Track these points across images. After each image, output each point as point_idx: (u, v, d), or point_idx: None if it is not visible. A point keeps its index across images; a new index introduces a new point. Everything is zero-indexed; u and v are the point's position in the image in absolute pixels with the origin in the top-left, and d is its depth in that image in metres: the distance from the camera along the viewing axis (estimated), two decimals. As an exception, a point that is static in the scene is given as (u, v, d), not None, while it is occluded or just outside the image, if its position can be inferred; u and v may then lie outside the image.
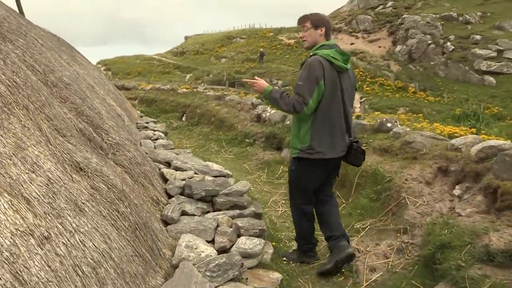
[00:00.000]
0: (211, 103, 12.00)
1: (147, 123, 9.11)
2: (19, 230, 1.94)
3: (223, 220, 3.79)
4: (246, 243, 3.46)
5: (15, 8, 9.36)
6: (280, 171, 6.73)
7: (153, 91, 14.94)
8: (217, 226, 3.72)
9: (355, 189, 5.17)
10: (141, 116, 10.87)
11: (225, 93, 13.24)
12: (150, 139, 7.26)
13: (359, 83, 35.69)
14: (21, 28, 5.36)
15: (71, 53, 8.88)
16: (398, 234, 3.96)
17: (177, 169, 5.14)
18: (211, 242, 3.59)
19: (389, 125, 5.94)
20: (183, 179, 4.83)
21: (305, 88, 3.21)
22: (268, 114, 8.89)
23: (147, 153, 6.00)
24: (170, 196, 4.43)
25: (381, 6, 51.45)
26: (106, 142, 4.10)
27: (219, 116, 10.70)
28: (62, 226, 2.19)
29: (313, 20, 3.44)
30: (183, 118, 12.50)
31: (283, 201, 5.63)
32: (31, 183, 2.21)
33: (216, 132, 10.25)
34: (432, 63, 37.95)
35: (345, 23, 50.03)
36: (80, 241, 2.23)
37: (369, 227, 4.37)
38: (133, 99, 14.42)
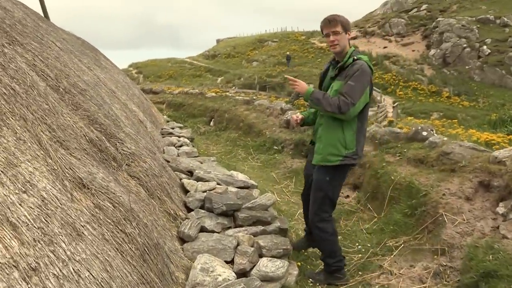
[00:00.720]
0: (240, 107, 11.73)
1: (172, 128, 8.90)
2: (0, 263, 1.68)
3: (244, 238, 3.49)
4: (267, 265, 3.15)
5: (40, 11, 9.31)
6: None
7: (181, 95, 14.79)
8: (238, 244, 3.42)
9: (388, 202, 4.78)
10: (168, 121, 10.71)
11: (254, 97, 12.95)
12: (174, 146, 7.04)
13: (392, 87, 34.89)
14: (38, 31, 5.22)
15: (95, 56, 8.78)
16: (435, 256, 3.57)
17: (199, 179, 4.87)
18: (231, 262, 3.30)
19: (424, 133, 5.51)
20: (205, 191, 4.56)
21: (356, 90, 3.15)
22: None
23: (168, 162, 5.78)
24: (189, 210, 4.17)
25: (415, 9, 50.28)
26: (120, 152, 3.86)
27: (248, 121, 10.42)
28: (54, 255, 1.92)
29: (344, 24, 3.32)
30: (211, 123, 12.28)
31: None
32: (20, 205, 1.95)
33: (244, 137, 9.97)
34: (467, 67, 36.73)
35: (378, 27, 49.08)
36: (75, 271, 1.96)
37: (402, 245, 3.98)
38: (161, 103, 14.30)
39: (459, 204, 3.82)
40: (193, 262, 3.08)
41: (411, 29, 45.82)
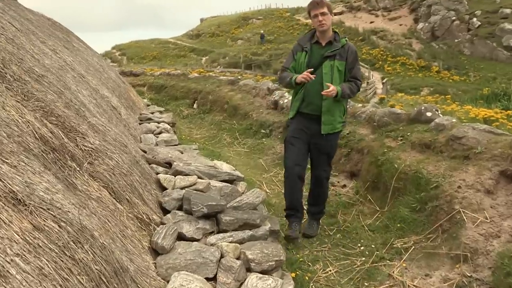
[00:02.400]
0: (224, 88, 11.08)
1: (152, 113, 8.28)
2: None
3: (228, 248, 2.94)
4: (257, 285, 2.61)
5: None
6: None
7: (162, 76, 14.04)
8: (221, 256, 2.88)
9: (392, 194, 4.26)
10: (148, 105, 10.06)
11: (239, 77, 12.28)
12: (153, 133, 6.43)
13: (380, 63, 34.36)
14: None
15: (67, 38, 8.06)
16: (456, 264, 3.05)
17: (177, 173, 4.30)
18: (213, 279, 2.76)
19: (429, 114, 4.98)
20: (184, 187, 4.00)
21: (360, 71, 4.04)
22: (286, 100, 7.95)
23: (145, 152, 5.21)
24: (166, 211, 3.61)
25: (402, -18, 49.35)
26: (81, 149, 3.27)
27: (232, 103, 9.80)
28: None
29: (329, 6, 3.78)
30: (194, 106, 11.63)
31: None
32: None
33: (229, 120, 9.37)
34: (456, 40, 36.27)
35: (364, 1, 48.25)
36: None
37: (413, 247, 3.48)
38: (142, 85, 13.57)
39: (479, 199, 3.30)
40: (168, 283, 2.54)
41: (398, 3, 45.10)
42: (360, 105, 6.43)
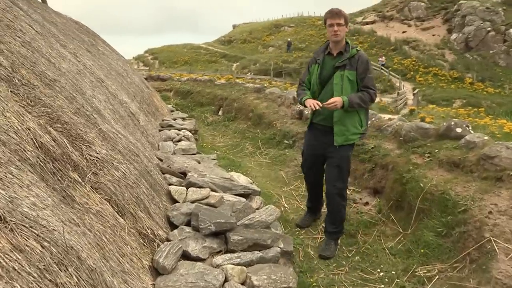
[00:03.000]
0: (250, 96, 10.91)
1: (174, 119, 8.17)
2: None
3: (233, 271, 2.73)
4: (261, 316, 2.39)
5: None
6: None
7: (189, 82, 13.97)
8: (225, 280, 2.67)
9: (416, 216, 3.97)
10: (172, 111, 9.98)
11: (265, 85, 12.10)
12: (172, 140, 6.30)
13: (412, 73, 33.63)
14: (9, 13, 4.48)
15: (92, 41, 8.05)
16: (487, 301, 2.75)
17: (190, 184, 4.13)
18: (215, 305, 2.55)
19: (459, 130, 4.66)
20: (195, 200, 3.83)
21: (373, 79, 3.81)
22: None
23: (161, 160, 5.07)
24: (174, 226, 3.44)
25: (436, -8, 48.33)
26: (86, 158, 3.13)
27: (257, 111, 9.61)
28: None
29: (346, 18, 3.78)
30: (220, 112, 11.50)
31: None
32: None
33: (253, 129, 9.18)
34: (491, 51, 35.18)
35: (396, 11, 47.48)
36: None
37: (437, 276, 3.19)
38: (168, 90, 13.53)
39: (513, 228, 2.99)
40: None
41: (432, 13, 44.13)
42: (386, 117, 6.13)
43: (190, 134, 7.24)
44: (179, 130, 7.11)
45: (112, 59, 8.10)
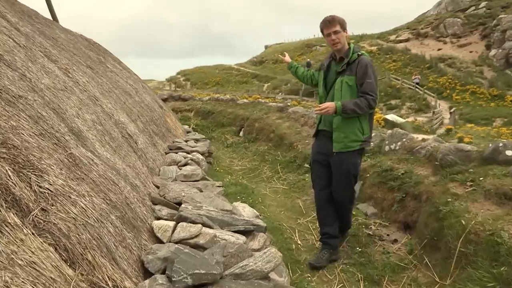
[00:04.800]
0: (272, 115, 10.24)
1: (186, 141, 7.56)
2: None
3: None
4: None
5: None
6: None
7: (211, 102, 13.44)
8: None
9: (458, 262, 3.14)
10: (188, 132, 9.41)
11: (289, 104, 11.42)
12: (177, 164, 5.67)
13: (448, 91, 32.29)
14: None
15: (101, 59, 7.60)
16: None
17: (181, 219, 3.44)
18: None
19: (509, 153, 3.84)
20: (182, 240, 3.15)
21: (374, 85, 3.54)
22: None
23: (158, 188, 4.45)
24: (150, 274, 2.75)
25: (472, 8, 46.87)
26: (35, 191, 2.50)
27: (279, 131, 8.91)
28: None
29: (342, 23, 3.61)
30: (241, 133, 10.87)
31: (343, 264, 3.72)
32: None
33: (273, 151, 8.48)
34: (534, 68, 33.45)
35: (431, 28, 46.26)
36: None
37: None
38: (189, 110, 13.02)
39: None
40: None
41: (468, 29, 42.67)
42: (419, 138, 5.32)
43: (201, 157, 6.59)
44: (189, 153, 6.48)
45: (121, 77, 7.62)
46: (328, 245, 3.78)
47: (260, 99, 12.92)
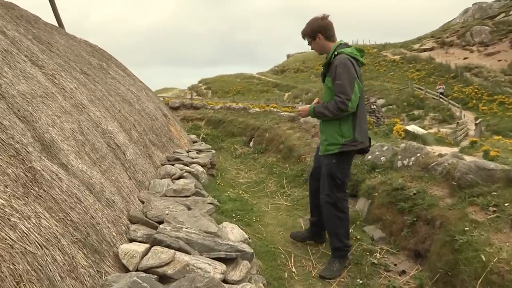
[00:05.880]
0: (283, 125, 9.77)
1: (188, 152, 7.16)
2: None
3: None
4: None
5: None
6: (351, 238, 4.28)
7: (222, 110, 13.04)
8: None
9: (476, 303, 2.62)
10: (195, 142, 9.01)
11: (302, 113, 10.92)
12: (171, 177, 5.26)
13: (474, 101, 31.28)
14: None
15: (102, 65, 7.30)
16: None
17: (155, 242, 3.02)
18: None
19: (539, 172, 3.29)
20: (150, 268, 2.73)
21: (346, 85, 3.37)
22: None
23: (143, 203, 4.07)
24: (103, 312, 2.33)
25: (502, 15, 45.60)
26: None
27: (288, 143, 8.43)
28: None
29: (308, 33, 3.68)
30: (251, 144, 10.44)
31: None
32: None
33: (282, 163, 8.01)
34: None
35: (457, 36, 45.19)
36: None
37: None
38: (200, 119, 12.64)
39: None
40: None
41: (497, 37, 41.47)
42: (436, 152, 4.79)
43: (200, 169, 6.18)
44: (188, 165, 6.07)
45: (123, 84, 7.29)
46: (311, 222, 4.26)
47: (272, 108, 12.46)
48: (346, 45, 3.61)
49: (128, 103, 6.54)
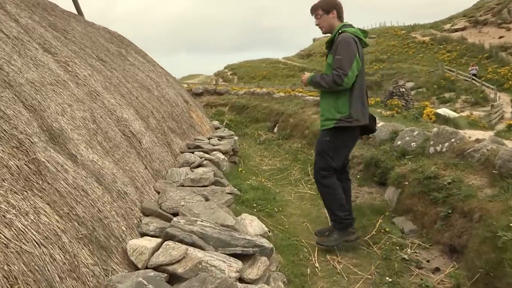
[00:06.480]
0: (308, 110, 9.45)
1: (209, 138, 6.96)
2: None
3: None
4: None
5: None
6: (377, 228, 4.01)
7: (246, 96, 12.76)
8: None
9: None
10: (217, 128, 8.81)
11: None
12: (190, 165, 5.07)
13: (510, 83, 30.01)
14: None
15: (121, 51, 7.14)
16: None
17: (168, 237, 2.82)
18: None
19: None
20: (160, 265, 2.54)
21: (344, 61, 3.42)
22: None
23: (158, 194, 3.89)
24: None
25: (542, -11, 43.43)
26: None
27: (313, 128, 8.12)
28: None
29: (323, 6, 3.66)
30: (275, 129, 10.18)
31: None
32: None
33: (307, 149, 7.73)
34: None
35: (492, 14, 43.40)
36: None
37: None
38: (224, 105, 12.41)
39: None
40: None
41: (537, 14, 39.57)
42: (472, 137, 4.43)
43: (222, 157, 5.97)
44: (208, 152, 5.87)
45: (142, 71, 7.11)
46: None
47: (297, 93, 12.13)
48: (351, 26, 3.64)
49: (146, 89, 6.36)
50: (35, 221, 2.21)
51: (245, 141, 9.48)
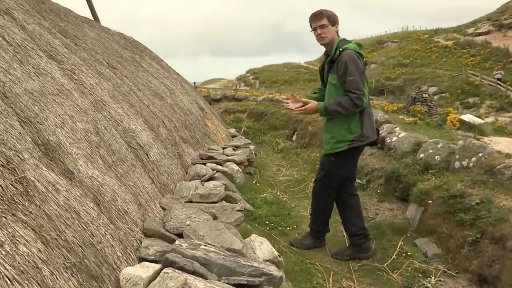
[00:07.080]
0: (328, 118, 9.16)
1: (224, 148, 6.73)
2: None
3: None
4: None
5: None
6: (398, 250, 3.69)
7: (264, 102, 12.51)
8: None
9: None
10: (234, 137, 8.59)
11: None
12: (201, 178, 4.84)
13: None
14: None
15: (134, 57, 6.98)
16: None
17: (167, 263, 2.59)
18: None
19: None
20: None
21: (358, 81, 3.35)
22: (395, 139, 5.80)
23: (164, 209, 3.67)
24: None
25: None
26: None
27: (332, 137, 7.84)
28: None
29: (330, 17, 3.53)
30: (294, 137, 9.90)
31: None
32: None
33: (325, 159, 7.44)
34: None
35: (518, 17, 42.20)
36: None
37: None
38: (242, 112, 12.19)
39: None
40: None
41: None
42: (502, 152, 4.08)
43: (236, 168, 5.73)
44: (221, 163, 5.63)
45: (156, 77, 6.94)
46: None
47: (317, 99, 11.84)
48: (347, 41, 3.59)
49: (159, 97, 6.17)
50: (10, 252, 1.99)
51: (262, 149, 9.23)
